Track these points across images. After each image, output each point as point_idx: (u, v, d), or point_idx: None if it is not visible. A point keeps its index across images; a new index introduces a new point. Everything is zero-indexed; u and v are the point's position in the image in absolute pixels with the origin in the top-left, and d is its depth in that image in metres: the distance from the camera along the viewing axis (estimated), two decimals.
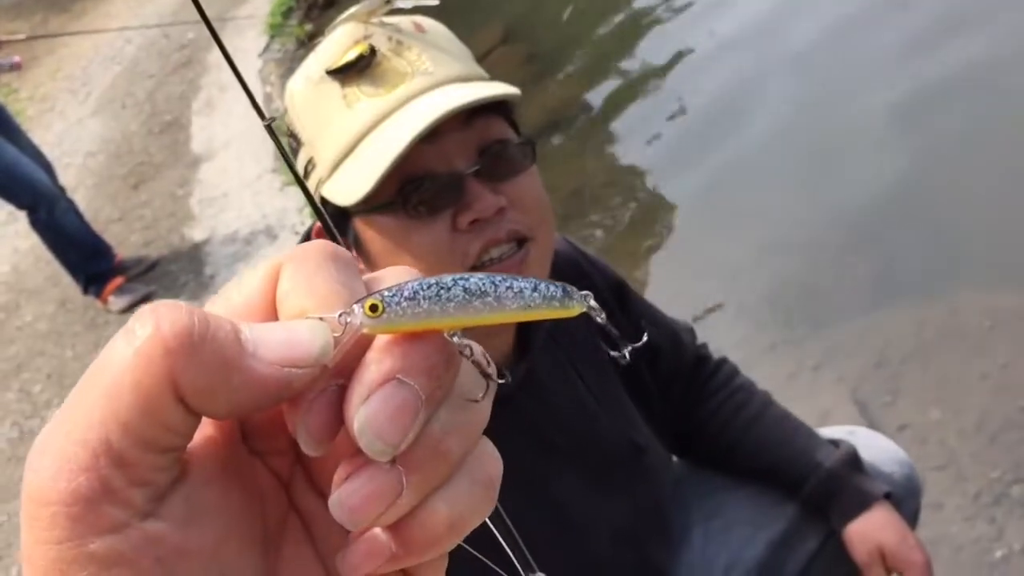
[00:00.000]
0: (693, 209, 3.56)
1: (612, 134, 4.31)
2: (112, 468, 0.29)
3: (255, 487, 0.35)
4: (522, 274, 1.03)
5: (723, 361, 1.48)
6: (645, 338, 0.41)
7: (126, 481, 0.29)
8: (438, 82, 1.03)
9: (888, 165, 3.27)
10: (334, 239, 1.09)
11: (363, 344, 0.32)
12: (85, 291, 4.35)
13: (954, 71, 3.49)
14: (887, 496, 1.34)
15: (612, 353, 0.29)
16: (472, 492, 0.33)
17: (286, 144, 1.09)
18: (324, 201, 1.06)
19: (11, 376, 4.30)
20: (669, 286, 3.15)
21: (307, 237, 1.15)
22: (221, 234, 4.53)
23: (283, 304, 0.32)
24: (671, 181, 3.77)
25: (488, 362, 0.34)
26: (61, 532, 0.29)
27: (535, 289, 0.32)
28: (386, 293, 0.31)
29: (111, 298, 4.30)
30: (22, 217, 4.25)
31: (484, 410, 0.34)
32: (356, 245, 1.07)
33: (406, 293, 0.31)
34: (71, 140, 6.49)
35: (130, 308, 4.26)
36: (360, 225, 1.05)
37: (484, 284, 0.31)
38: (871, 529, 1.31)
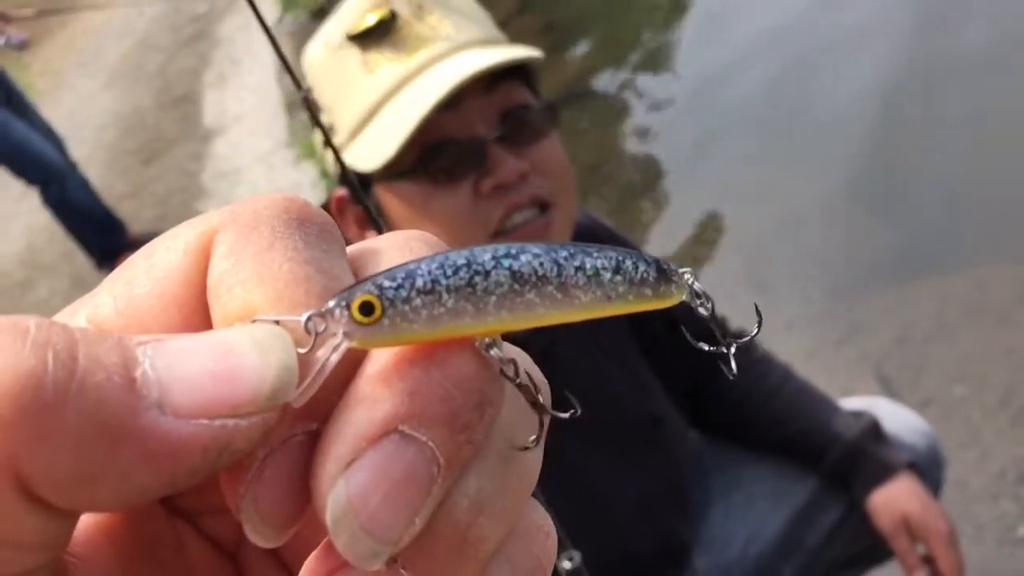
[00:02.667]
0: (712, 184, 3.52)
1: (629, 107, 4.27)
2: None
3: (183, 571, 0.23)
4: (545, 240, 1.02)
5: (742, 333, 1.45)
6: (757, 331, 0.28)
7: None
8: (459, 46, 1.02)
9: (911, 138, 3.23)
10: (361, 203, 1.06)
11: (345, 364, 0.20)
12: (99, 266, 4.35)
13: (975, 43, 3.44)
14: (910, 466, 1.33)
15: (706, 347, 0.21)
16: None
17: (306, 115, 1.09)
18: (345, 167, 1.06)
19: None
20: (687, 262, 3.13)
21: (326, 204, 1.13)
22: None
23: (218, 296, 0.21)
24: (690, 155, 3.74)
25: (539, 387, 0.22)
26: None
27: (617, 270, 0.21)
28: (386, 283, 0.19)
29: None
30: (35, 194, 4.25)
31: (535, 466, 0.22)
32: (379, 207, 1.06)
33: (419, 283, 0.19)
34: (83, 115, 6.47)
35: None
36: (381, 191, 1.04)
37: (543, 265, 0.20)
38: (895, 498, 1.31)
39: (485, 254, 0.20)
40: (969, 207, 2.89)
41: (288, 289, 0.20)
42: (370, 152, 1.01)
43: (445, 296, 0.19)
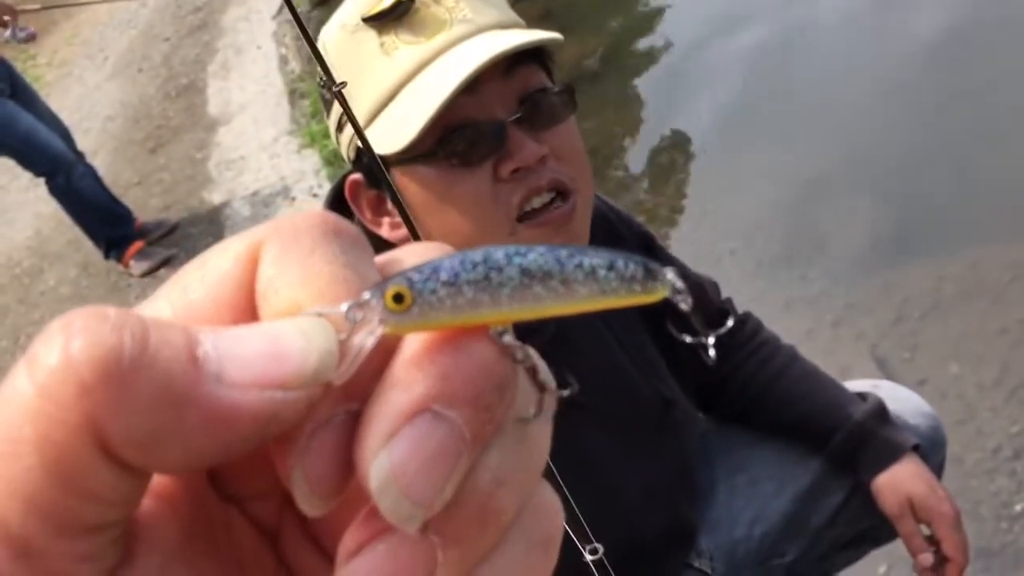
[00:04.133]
0: (709, 165, 3.54)
1: (628, 91, 4.28)
2: (15, 562, 0.20)
3: (232, 551, 0.26)
4: (569, 227, 1.02)
5: (747, 316, 1.47)
6: (730, 322, 0.31)
7: None
8: (478, 29, 1.01)
9: (906, 119, 3.23)
10: (378, 187, 1.05)
11: (379, 354, 0.23)
12: (106, 256, 4.38)
13: (976, 21, 3.44)
14: (915, 448, 1.33)
15: (688, 339, 0.24)
16: (529, 559, 0.24)
17: (310, 103, 1.09)
18: (360, 152, 1.04)
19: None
20: (686, 243, 3.15)
21: (338, 191, 1.13)
22: (240, 197, 4.54)
23: (266, 297, 0.23)
24: (687, 137, 3.75)
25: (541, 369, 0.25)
26: None
27: (611, 268, 0.23)
28: (415, 276, 0.22)
29: (132, 262, 4.33)
30: (43, 184, 4.28)
31: (544, 443, 0.25)
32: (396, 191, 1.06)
33: (443, 276, 0.22)
34: (89, 105, 6.50)
35: (151, 272, 4.29)
36: (398, 176, 1.03)
37: (548, 262, 0.23)
38: (901, 480, 1.31)
39: (498, 252, 0.23)
40: (964, 188, 2.90)
41: (329, 288, 0.23)
42: (389, 136, 0.99)
43: (465, 288, 0.22)
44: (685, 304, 0.25)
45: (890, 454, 1.32)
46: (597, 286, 0.23)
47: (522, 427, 0.24)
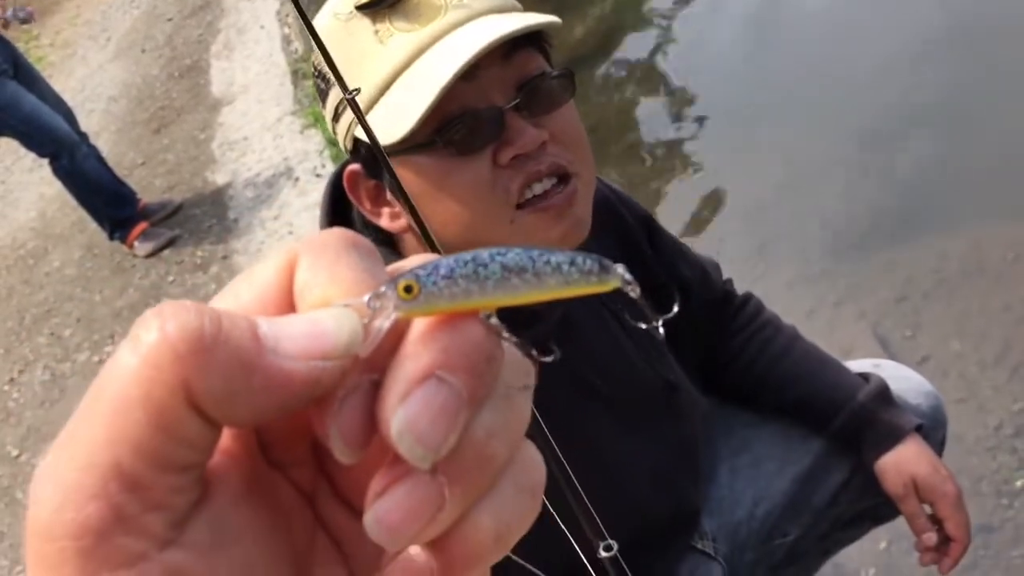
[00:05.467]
0: (711, 146, 3.53)
1: (630, 72, 4.27)
2: (125, 493, 0.26)
3: (280, 504, 0.32)
4: (571, 212, 1.02)
5: (749, 297, 1.48)
6: (676, 309, 0.37)
7: (141, 507, 0.26)
8: (476, 13, 0.99)
9: (910, 98, 3.23)
10: (377, 177, 1.04)
11: (393, 335, 0.28)
12: (111, 237, 4.39)
13: (979, 9, 3.43)
14: (918, 428, 1.34)
15: (642, 325, 0.27)
16: (518, 501, 0.30)
17: (312, 84, 1.07)
18: (359, 142, 1.03)
19: (41, 321, 4.37)
20: (687, 224, 3.15)
21: (337, 179, 1.12)
22: (243, 177, 4.54)
23: (303, 296, 0.29)
24: (689, 119, 3.74)
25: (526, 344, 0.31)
26: (71, 569, 0.25)
27: (572, 263, 0.29)
28: (421, 272, 0.28)
29: (136, 243, 4.34)
30: (47, 163, 4.29)
31: (527, 406, 0.31)
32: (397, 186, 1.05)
33: (442, 271, 0.28)
34: (93, 85, 6.50)
35: (155, 252, 4.30)
36: (396, 167, 0.99)
37: (522, 259, 0.29)
38: (904, 461, 1.32)
39: (484, 253, 0.29)
40: (967, 166, 2.90)
41: (353, 287, 0.29)
42: (387, 125, 0.96)
43: (460, 280, 0.28)
44: (634, 293, 0.31)
45: (894, 435, 1.33)
46: (562, 278, 0.29)
47: (509, 392, 0.30)
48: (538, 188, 1.00)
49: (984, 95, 3.11)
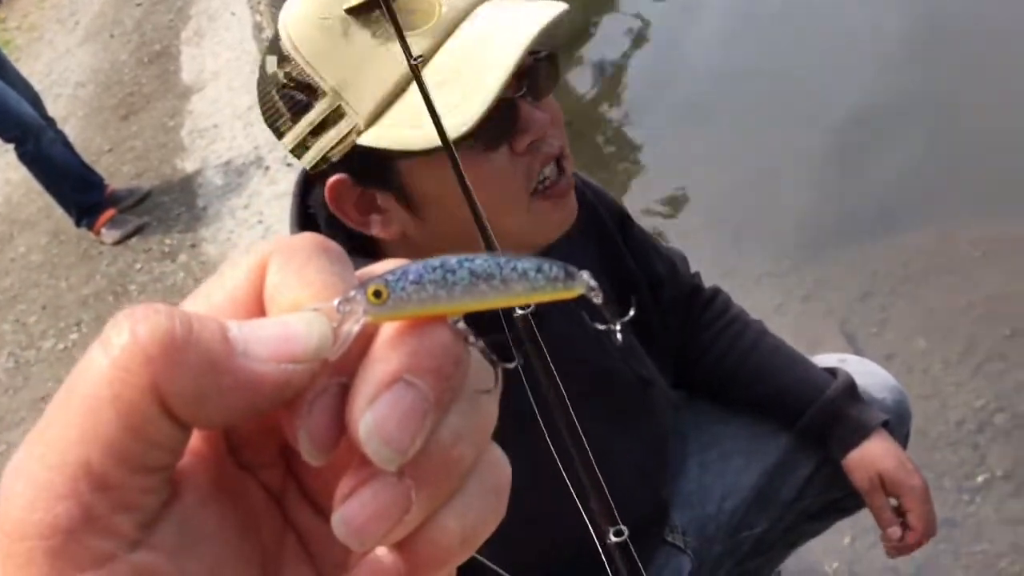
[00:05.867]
0: (680, 141, 3.54)
1: (595, 65, 4.28)
2: (94, 493, 0.26)
3: (249, 505, 0.32)
4: (570, 198, 1.04)
5: (717, 291, 1.49)
6: (632, 312, 0.38)
7: (111, 507, 0.26)
8: (472, 4, 0.98)
9: (878, 95, 3.26)
10: (370, 185, 1.00)
11: (362, 339, 0.29)
12: (78, 224, 4.35)
13: (949, 7, 3.47)
14: (884, 424, 1.36)
15: (600, 327, 0.28)
16: (484, 502, 0.30)
17: (282, 97, 1.00)
18: (355, 150, 0.99)
19: (6, 308, 4.31)
20: (657, 218, 3.16)
21: (303, 188, 1.11)
22: (213, 165, 4.51)
23: (273, 299, 0.30)
24: (655, 113, 3.75)
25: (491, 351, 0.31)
26: (39, 569, 0.26)
27: (539, 270, 0.30)
28: (390, 277, 0.28)
29: (103, 230, 4.29)
30: (12, 148, 4.23)
31: (493, 409, 0.31)
32: (399, 184, 1.01)
33: (411, 277, 0.28)
34: (60, 70, 6.42)
35: (123, 240, 4.26)
36: (408, 167, 0.99)
37: (490, 266, 0.29)
38: (871, 457, 1.34)
39: (452, 260, 0.29)
40: (937, 164, 2.93)
41: (323, 290, 0.29)
42: (407, 133, 0.94)
43: (428, 286, 0.28)
44: (597, 299, 0.32)
45: (861, 432, 1.35)
46: (529, 284, 0.29)
47: (476, 395, 0.30)
48: (547, 172, 1.03)
49: (955, 93, 3.14)
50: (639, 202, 3.28)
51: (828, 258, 2.78)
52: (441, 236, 1.03)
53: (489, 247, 0.82)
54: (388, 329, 0.29)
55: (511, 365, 0.32)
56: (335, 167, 1.01)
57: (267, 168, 4.23)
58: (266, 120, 1.04)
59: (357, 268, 0.31)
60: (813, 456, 1.40)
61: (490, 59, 0.93)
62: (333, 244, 0.31)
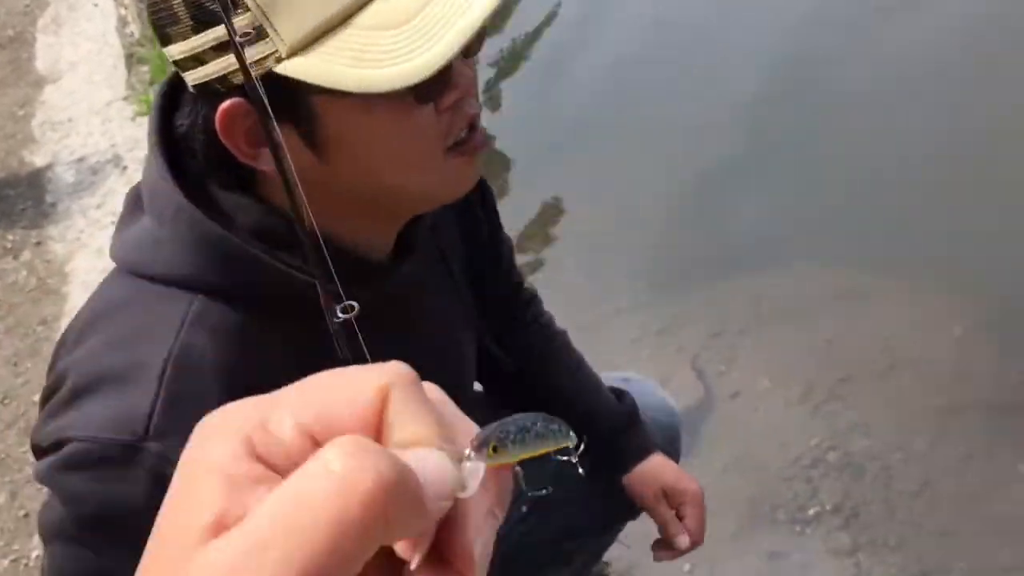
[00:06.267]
0: (542, 171, 3.53)
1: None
2: None
3: None
4: (483, 153, 1.04)
5: (535, 293, 1.52)
6: (582, 446, 0.46)
7: None
8: None
9: (737, 141, 3.34)
10: (266, 117, 0.88)
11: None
12: None
13: (815, 42, 3.62)
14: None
15: (562, 458, 0.36)
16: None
17: (187, 2, 0.88)
18: (269, 75, 0.88)
19: None
20: (525, 247, 3.19)
21: (169, 97, 1.01)
22: (65, 161, 4.31)
23: (393, 427, 0.34)
24: (534, 141, 3.73)
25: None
26: None
27: (561, 427, 0.39)
28: (500, 434, 0.36)
29: None
30: None
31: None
32: (308, 120, 0.94)
33: (510, 436, 0.37)
34: None
35: None
36: (326, 104, 0.93)
37: (546, 426, 0.38)
38: (652, 472, 1.46)
39: (527, 420, 0.37)
40: (796, 210, 3.06)
41: (437, 430, 0.34)
42: (364, 68, 0.88)
43: (516, 445, 0.36)
44: (573, 458, 0.40)
45: (644, 450, 1.48)
46: (560, 438, 0.38)
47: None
48: (463, 133, 1.00)
49: (812, 143, 3.27)
50: (507, 228, 3.30)
51: (683, 296, 2.87)
52: (341, 181, 0.98)
53: (298, 216, 0.80)
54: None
55: (543, 492, 0.47)
56: (231, 90, 0.91)
57: (125, 168, 4.08)
58: (151, 18, 0.92)
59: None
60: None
61: (454, 10, 0.89)
62: (428, 384, 0.37)
